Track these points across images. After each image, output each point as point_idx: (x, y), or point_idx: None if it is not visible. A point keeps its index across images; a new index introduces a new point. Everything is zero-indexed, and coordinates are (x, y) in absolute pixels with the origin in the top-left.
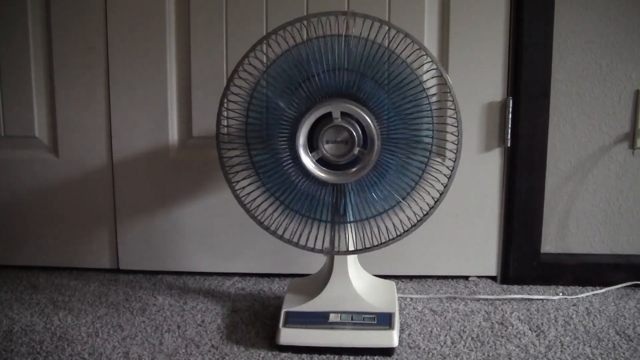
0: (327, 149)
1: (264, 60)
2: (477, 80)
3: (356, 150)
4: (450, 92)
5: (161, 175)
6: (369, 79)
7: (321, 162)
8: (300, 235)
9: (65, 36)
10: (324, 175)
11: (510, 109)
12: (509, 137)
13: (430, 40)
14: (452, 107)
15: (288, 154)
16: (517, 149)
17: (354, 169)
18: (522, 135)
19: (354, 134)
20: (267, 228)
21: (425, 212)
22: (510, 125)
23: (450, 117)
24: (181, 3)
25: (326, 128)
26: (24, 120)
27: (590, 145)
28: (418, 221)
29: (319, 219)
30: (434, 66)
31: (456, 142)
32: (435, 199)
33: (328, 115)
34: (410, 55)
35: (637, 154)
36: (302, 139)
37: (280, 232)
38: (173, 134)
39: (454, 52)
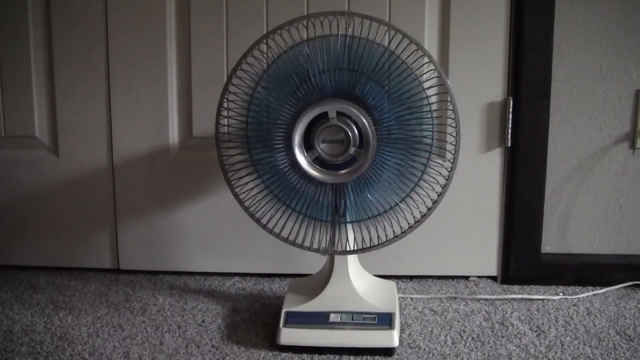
0: (323, 148)
1: (264, 60)
2: (478, 80)
3: (352, 150)
4: (449, 93)
5: (162, 176)
6: (369, 79)
7: (317, 161)
8: (300, 235)
9: (65, 36)
10: (319, 175)
11: (511, 109)
12: (510, 137)
13: (430, 40)
14: (451, 107)
15: (284, 153)
16: (518, 149)
17: (349, 169)
18: (522, 135)
19: (350, 133)
20: (264, 226)
21: (423, 214)
22: (510, 125)
23: (449, 117)
24: (182, 4)
25: (322, 127)
26: (25, 120)
27: (590, 145)
28: (416, 222)
29: (319, 218)
30: (432, 67)
31: (454, 143)
32: (434, 200)
33: (325, 115)
34: (409, 55)
35: (638, 154)
36: (297, 138)
37: (279, 231)
38: (173, 134)
39: (454, 52)
